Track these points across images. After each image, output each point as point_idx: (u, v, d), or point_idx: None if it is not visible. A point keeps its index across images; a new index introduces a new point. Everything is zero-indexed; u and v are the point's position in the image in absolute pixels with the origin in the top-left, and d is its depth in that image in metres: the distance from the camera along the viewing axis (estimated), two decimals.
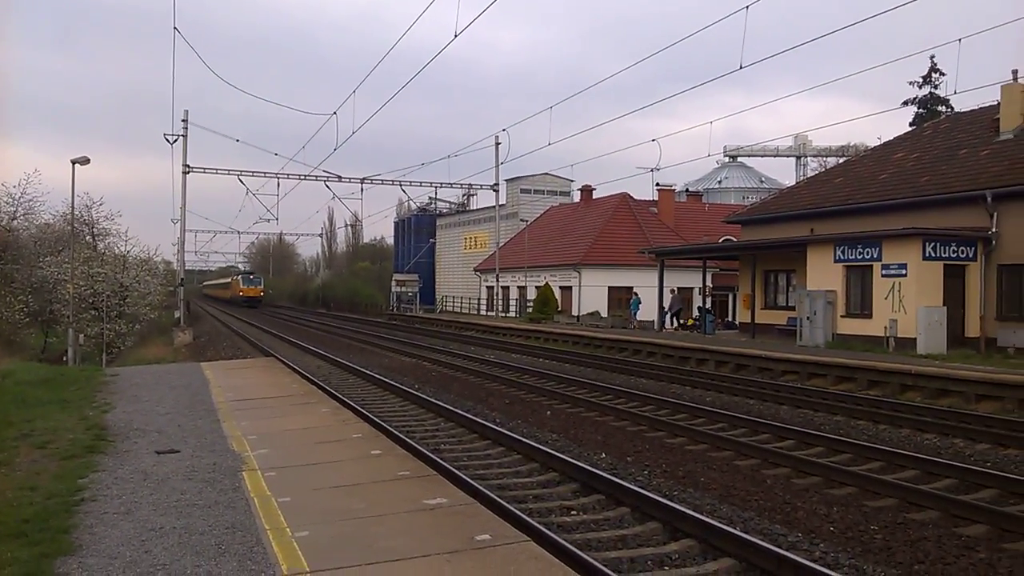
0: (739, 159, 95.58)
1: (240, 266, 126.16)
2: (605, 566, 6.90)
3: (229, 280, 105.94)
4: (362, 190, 49.92)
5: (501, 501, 8.79)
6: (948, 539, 7.96)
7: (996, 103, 29.23)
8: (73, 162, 31.09)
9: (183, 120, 43.86)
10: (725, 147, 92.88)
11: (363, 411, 14.53)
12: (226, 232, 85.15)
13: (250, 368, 21.89)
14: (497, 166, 50.19)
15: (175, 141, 43.49)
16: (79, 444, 10.31)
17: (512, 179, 69.70)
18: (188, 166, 43.73)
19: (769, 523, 8.57)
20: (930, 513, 8.82)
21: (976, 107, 32.16)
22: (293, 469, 9.07)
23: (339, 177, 47.44)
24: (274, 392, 15.76)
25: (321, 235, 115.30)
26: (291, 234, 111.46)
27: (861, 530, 8.29)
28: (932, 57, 54.09)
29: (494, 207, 54.01)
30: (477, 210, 77.03)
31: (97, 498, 7.81)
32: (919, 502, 9.15)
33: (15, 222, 47.06)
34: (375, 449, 10.08)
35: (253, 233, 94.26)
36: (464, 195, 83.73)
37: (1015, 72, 27.77)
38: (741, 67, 18.30)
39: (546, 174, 71.46)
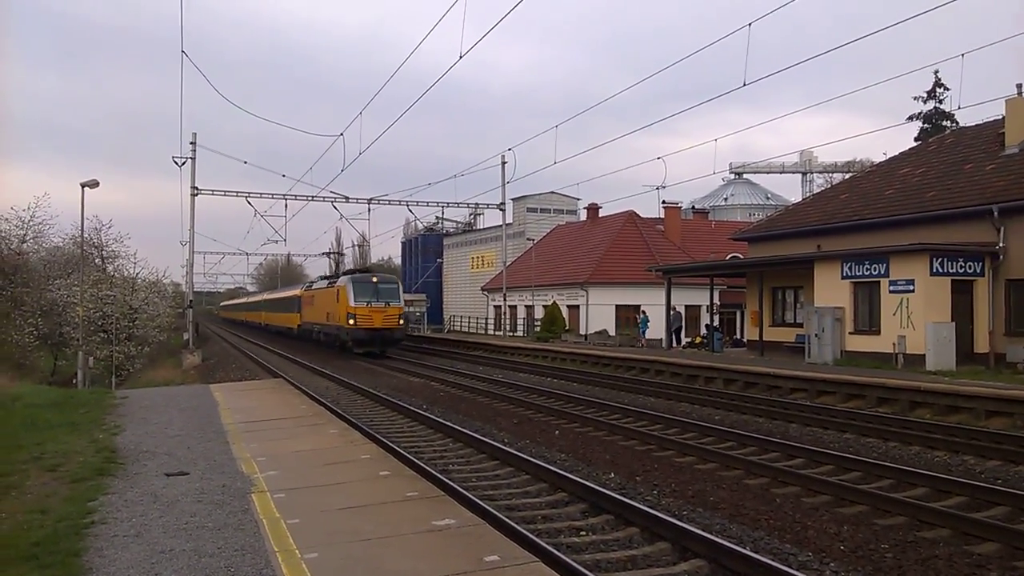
0: (745, 176, 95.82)
1: (248, 287, 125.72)
2: None
3: (301, 292, 52.56)
4: (369, 210, 50.18)
5: (510, 522, 8.78)
6: (959, 557, 7.91)
7: (1001, 117, 29.25)
8: (83, 185, 31.33)
9: (191, 143, 44.15)
10: (731, 164, 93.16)
11: (371, 432, 14.54)
12: (235, 253, 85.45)
13: (259, 390, 21.93)
14: (504, 185, 50.34)
15: (183, 163, 43.80)
16: (89, 467, 10.35)
17: (518, 198, 69.91)
18: (196, 188, 44.00)
19: (779, 542, 8.53)
20: (941, 531, 8.78)
21: (981, 122, 32.20)
22: (302, 491, 9.08)
23: (346, 198, 47.67)
24: (283, 413, 15.78)
25: (329, 255, 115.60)
26: (299, 255, 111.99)
27: (871, 548, 8.24)
28: (936, 72, 54.24)
29: (501, 226, 54.13)
30: (484, 229, 77.30)
31: (107, 520, 7.83)
32: (930, 520, 9.10)
33: (24, 245, 47.49)
34: (383, 470, 10.09)
35: (261, 254, 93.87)
36: (471, 214, 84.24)
37: (1020, 86, 27.82)
38: (745, 84, 18.51)
39: (552, 193, 71.74)
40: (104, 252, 59.13)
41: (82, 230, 37.04)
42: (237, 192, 46.02)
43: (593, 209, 62.49)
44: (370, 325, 37.01)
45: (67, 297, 43.13)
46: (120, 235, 52.68)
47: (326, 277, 49.22)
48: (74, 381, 34.25)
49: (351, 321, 37.00)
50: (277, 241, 53.95)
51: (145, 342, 50.75)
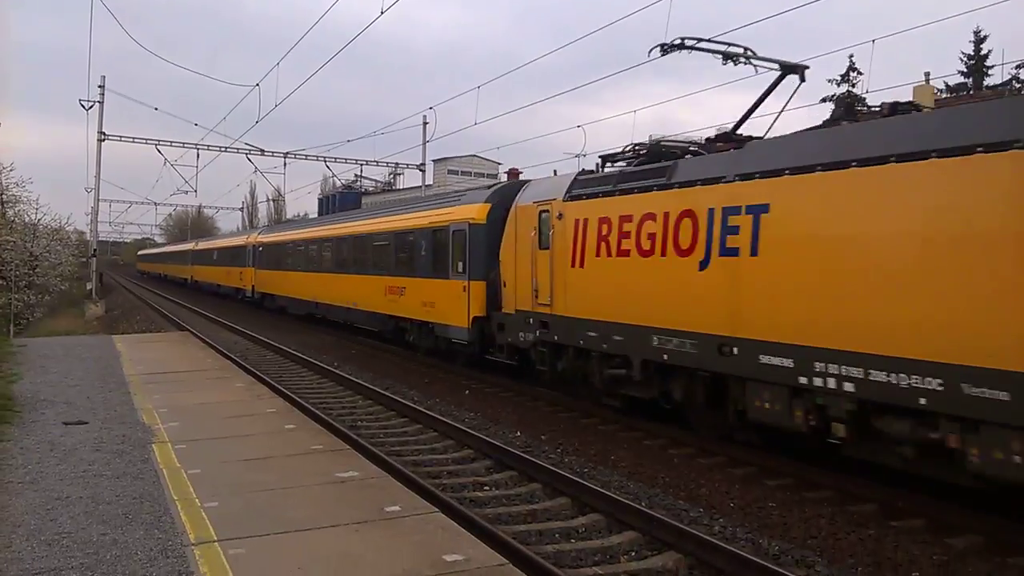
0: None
1: (156, 239, 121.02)
2: (513, 538, 7.11)
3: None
4: (285, 164, 48.84)
5: (412, 474, 8.94)
6: (841, 516, 8.38)
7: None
8: None
9: (100, 86, 42.22)
10: (650, 136, 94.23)
11: (278, 387, 14.44)
12: (143, 203, 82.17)
13: (163, 342, 21.44)
14: (424, 144, 49.89)
15: (91, 107, 41.87)
16: None
17: (439, 160, 69.39)
18: (104, 133, 42.16)
19: (674, 499, 8.91)
20: (825, 492, 9.25)
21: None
22: (204, 442, 9.03)
23: (261, 151, 46.36)
24: (188, 366, 15.51)
25: (242, 209, 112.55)
26: (211, 207, 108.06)
27: (759, 507, 8.69)
28: (851, 56, 55.80)
29: (421, 187, 53.65)
30: (403, 189, 76.51)
31: (1, 467, 7.66)
32: (815, 480, 9.56)
33: None
34: (289, 424, 10.10)
35: (171, 205, 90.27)
36: (390, 174, 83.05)
37: (927, 74, 29.02)
38: (662, 54, 18.35)
39: (473, 156, 71.43)
40: (3, 196, 56.25)
41: None
42: (147, 139, 44.27)
43: (514, 173, 62.39)
44: None
45: None
46: (22, 179, 49.92)
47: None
48: None
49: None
50: (187, 192, 51.93)
51: (46, 291, 48.71)
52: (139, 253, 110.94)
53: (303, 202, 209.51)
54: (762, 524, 8.14)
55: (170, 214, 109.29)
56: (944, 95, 38.57)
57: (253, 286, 37.40)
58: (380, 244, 22.24)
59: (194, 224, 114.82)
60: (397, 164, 57.19)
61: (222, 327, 29.26)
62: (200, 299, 47.17)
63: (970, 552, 7.30)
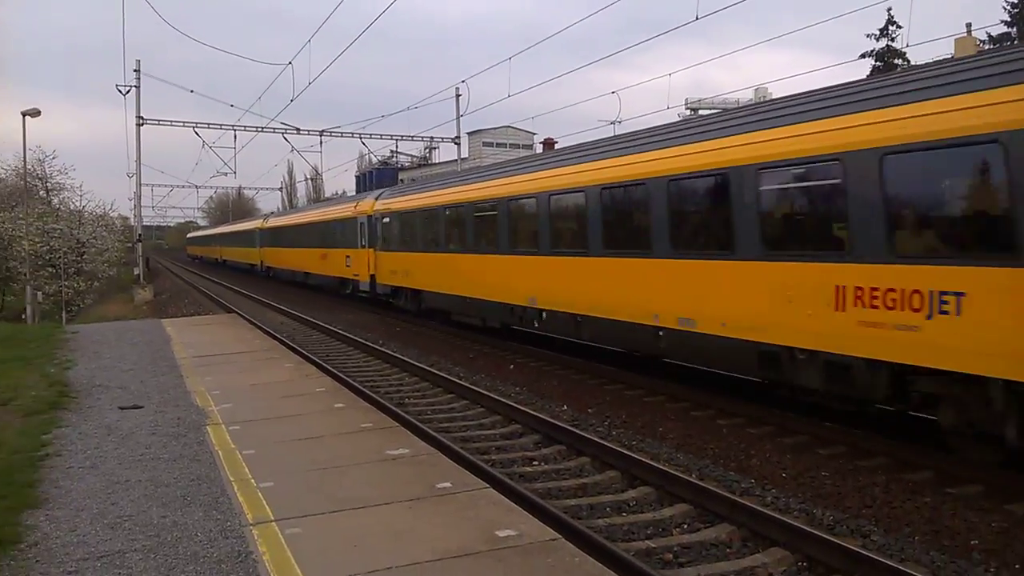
0: (700, 112, 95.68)
1: (199, 221, 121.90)
2: (564, 512, 7.13)
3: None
4: (321, 143, 49.12)
5: (462, 451, 9.00)
6: (895, 484, 8.27)
7: (950, 56, 29.60)
8: (24, 114, 30.35)
9: (135, 70, 42.67)
10: (687, 100, 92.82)
11: (326, 366, 14.60)
12: (183, 186, 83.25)
13: (212, 324, 21.79)
14: (458, 118, 49.69)
15: (128, 92, 42.39)
16: (42, 400, 10.31)
17: (474, 132, 69.19)
18: (142, 118, 42.71)
19: (724, 470, 8.85)
20: (879, 460, 9.13)
21: (931, 60, 32.39)
22: (257, 423, 9.17)
23: (297, 129, 46.59)
24: (237, 348, 15.74)
25: (281, 189, 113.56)
26: (250, 188, 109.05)
27: (812, 476, 8.60)
28: (889, 10, 54.27)
29: (456, 160, 53.63)
30: (440, 164, 76.53)
31: (62, 453, 7.86)
32: (869, 447, 9.44)
33: None
34: (338, 403, 10.20)
35: (211, 187, 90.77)
36: (426, 148, 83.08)
37: (968, 25, 28.16)
38: (697, 18, 18.21)
39: (508, 127, 71.12)
40: (48, 184, 57.47)
41: (24, 161, 36.02)
42: (184, 122, 44.79)
43: (549, 144, 62.14)
44: None
45: (12, 231, 41.97)
46: (65, 167, 51.00)
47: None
48: (23, 317, 33.64)
49: None
50: (227, 174, 52.39)
51: (94, 277, 49.78)
52: (188, 236, 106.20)
53: (340, 180, 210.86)
54: (815, 494, 8.06)
55: (211, 196, 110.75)
56: (987, 45, 37.34)
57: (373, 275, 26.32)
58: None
59: (235, 205, 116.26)
60: (432, 138, 57.11)
61: (269, 308, 29.66)
62: (246, 282, 47.70)
63: None
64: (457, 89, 48.94)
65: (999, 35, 42.21)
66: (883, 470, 8.66)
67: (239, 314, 25.36)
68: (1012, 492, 7.74)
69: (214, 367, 13.35)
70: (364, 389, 12.60)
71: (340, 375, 13.75)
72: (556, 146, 60.52)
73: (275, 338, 18.49)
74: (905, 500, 7.76)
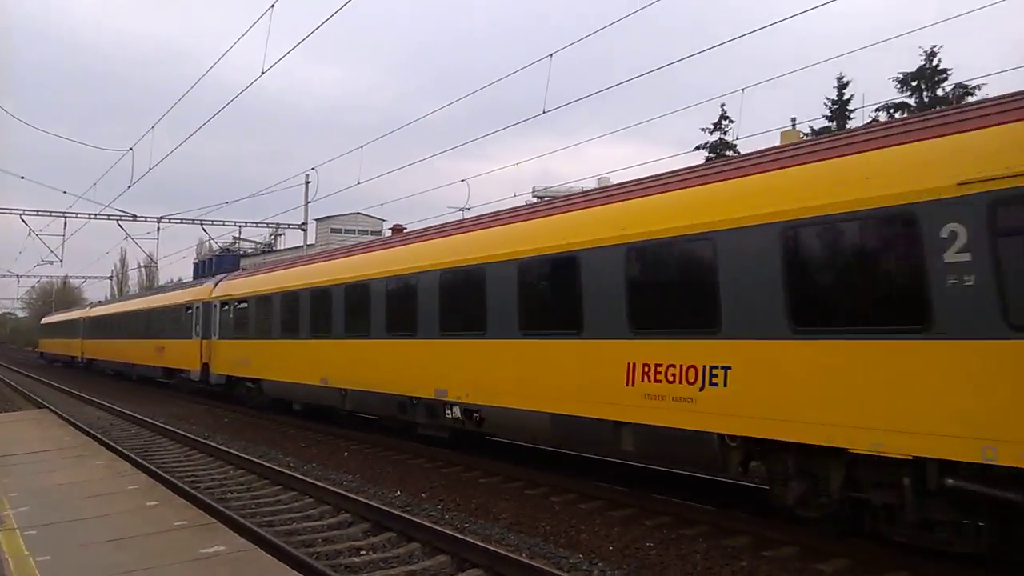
0: (546, 199, 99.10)
1: (17, 313, 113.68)
2: None
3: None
4: (159, 229, 47.23)
5: (283, 544, 8.55)
6: (715, 551, 8.50)
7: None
8: None
9: None
10: (534, 188, 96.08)
11: (142, 462, 13.67)
12: (3, 276, 77.48)
13: (18, 422, 20.02)
14: (307, 204, 49.03)
15: None
16: None
17: (322, 218, 68.63)
18: None
19: (555, 547, 8.83)
20: (701, 528, 9.39)
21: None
22: (58, 526, 8.42)
23: (134, 216, 44.59)
24: (44, 446, 14.49)
25: (111, 277, 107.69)
26: (78, 277, 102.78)
27: (638, 547, 8.71)
28: (723, 105, 58.53)
29: (302, 247, 52.69)
30: (285, 250, 74.99)
31: None
32: (692, 517, 9.70)
33: None
34: (151, 500, 9.53)
35: (34, 276, 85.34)
36: (271, 234, 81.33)
37: (793, 120, 30.66)
38: (544, 111, 19.03)
39: (357, 213, 70.89)
40: None
41: None
42: (11, 209, 41.95)
43: (398, 229, 62.09)
44: None
45: None
46: None
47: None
48: None
49: None
50: (53, 262, 49.17)
51: None
52: (43, 322, 77.43)
53: (177, 267, 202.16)
54: (640, 565, 8.15)
55: (33, 286, 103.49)
56: (810, 137, 40.72)
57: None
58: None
59: (58, 295, 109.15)
60: (278, 224, 56.04)
61: (86, 403, 27.60)
62: (63, 376, 44.40)
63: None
64: (307, 176, 48.47)
65: (821, 128, 46.27)
66: (704, 537, 8.92)
67: (51, 409, 23.46)
68: (823, 553, 8.12)
69: (15, 468, 12.21)
70: (182, 484, 11.84)
71: (156, 471, 12.89)
72: (404, 231, 60.71)
73: (88, 433, 17.18)
74: (724, 564, 7.99)
